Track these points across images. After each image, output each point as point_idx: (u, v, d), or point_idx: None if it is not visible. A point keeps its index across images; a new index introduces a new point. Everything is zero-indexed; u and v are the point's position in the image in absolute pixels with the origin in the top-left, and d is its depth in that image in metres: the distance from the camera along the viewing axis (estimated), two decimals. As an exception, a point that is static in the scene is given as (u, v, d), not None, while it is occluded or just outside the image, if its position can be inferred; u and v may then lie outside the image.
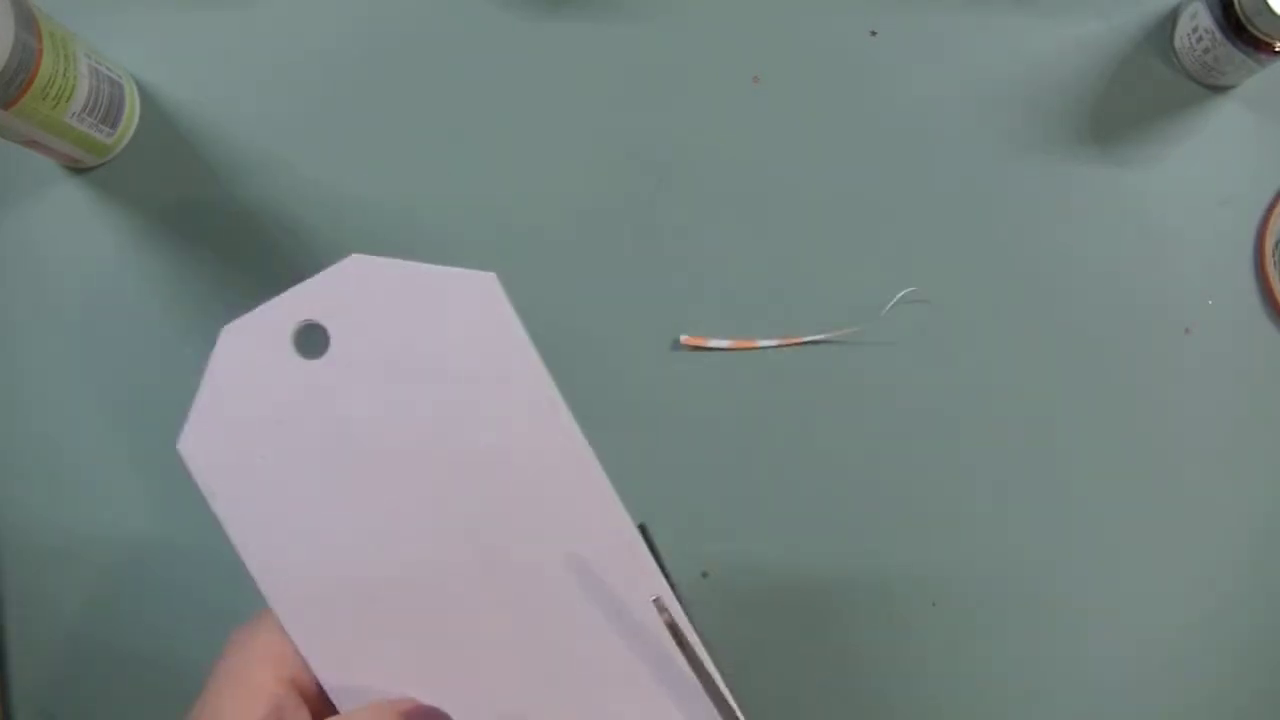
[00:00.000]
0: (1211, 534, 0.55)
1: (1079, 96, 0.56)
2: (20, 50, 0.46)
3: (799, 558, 0.54)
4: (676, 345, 0.55)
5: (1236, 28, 0.51)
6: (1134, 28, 0.57)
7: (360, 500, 0.36)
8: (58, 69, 0.49)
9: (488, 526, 0.36)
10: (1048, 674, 0.54)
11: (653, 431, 0.55)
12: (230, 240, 0.56)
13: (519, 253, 0.55)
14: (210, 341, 0.36)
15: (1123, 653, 0.54)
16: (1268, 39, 0.51)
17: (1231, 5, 0.51)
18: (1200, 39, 0.53)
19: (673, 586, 0.36)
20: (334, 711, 0.36)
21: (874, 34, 0.57)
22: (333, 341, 0.36)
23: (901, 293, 0.55)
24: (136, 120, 0.56)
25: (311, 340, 0.36)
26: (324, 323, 0.36)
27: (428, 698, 0.36)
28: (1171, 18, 0.56)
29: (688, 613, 0.36)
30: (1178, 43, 0.56)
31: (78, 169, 0.56)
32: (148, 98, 0.56)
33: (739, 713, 0.36)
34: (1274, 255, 0.55)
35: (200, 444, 0.36)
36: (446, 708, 0.36)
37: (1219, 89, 0.56)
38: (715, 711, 0.36)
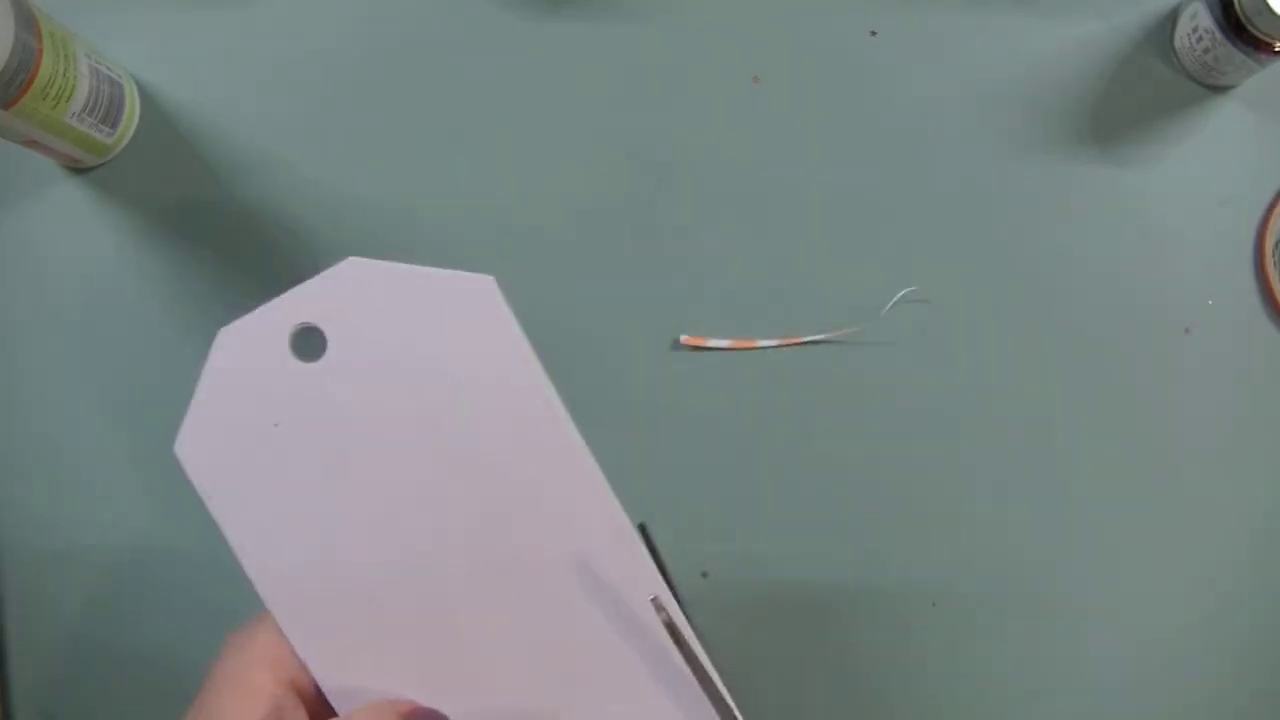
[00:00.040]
0: (1211, 534, 0.55)
1: (1079, 96, 0.56)
2: (20, 50, 0.46)
3: (799, 558, 0.54)
4: (676, 345, 0.55)
5: (1236, 28, 0.51)
6: (1134, 28, 0.57)
7: (358, 502, 0.36)
8: (58, 69, 0.49)
9: (485, 528, 0.36)
10: (1048, 674, 0.54)
11: (653, 431, 0.55)
12: (230, 240, 0.56)
13: (519, 253, 0.55)
14: (210, 342, 0.36)
15: (1123, 653, 0.54)
16: (1268, 39, 0.51)
17: (1231, 5, 0.51)
18: (1200, 39, 0.53)
19: (672, 587, 0.36)
20: (332, 713, 0.36)
21: (874, 34, 0.57)
22: (330, 344, 0.36)
23: (901, 292, 0.55)
24: (136, 120, 0.56)
25: (309, 343, 0.36)
26: (321, 325, 0.36)
27: (426, 698, 0.36)
28: (1171, 18, 0.56)
29: (686, 613, 0.36)
30: (1178, 43, 0.56)
31: (78, 169, 0.56)
32: (148, 98, 0.56)
33: (736, 711, 0.36)
34: (1274, 255, 0.55)
35: (197, 446, 0.36)
36: (445, 708, 0.36)
37: (1219, 89, 0.56)
38: (714, 712, 0.36)
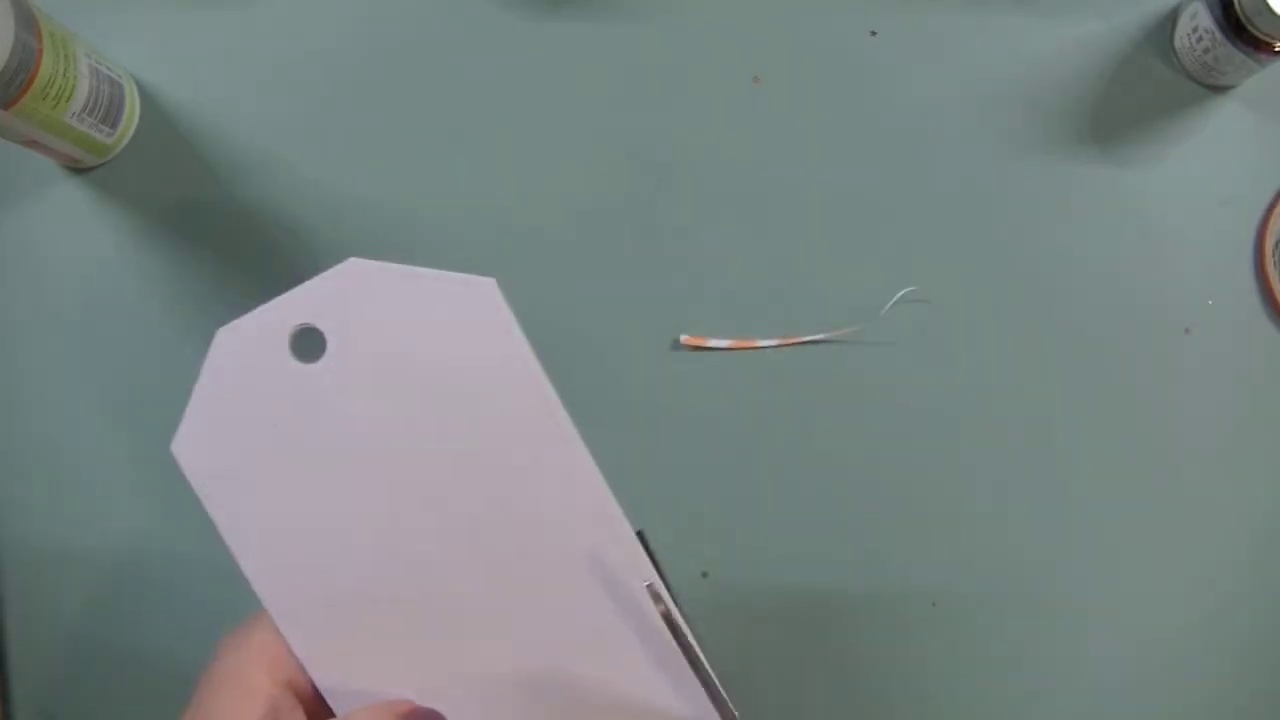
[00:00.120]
0: (1211, 534, 0.55)
1: (1079, 96, 0.56)
2: (20, 50, 0.46)
3: (799, 558, 0.54)
4: (676, 345, 0.55)
5: (1236, 28, 0.51)
6: (1134, 28, 0.57)
7: (356, 503, 0.36)
8: (58, 69, 0.49)
9: (484, 528, 0.36)
10: (1048, 674, 0.54)
11: (653, 431, 0.55)
12: (230, 240, 0.56)
13: (519, 253, 0.55)
14: (209, 342, 0.36)
15: (1123, 653, 0.54)
16: (1268, 39, 0.51)
17: (1231, 5, 0.51)
18: (1200, 39, 0.53)
19: (671, 594, 0.36)
20: (330, 713, 0.36)
21: (874, 34, 0.57)
22: (329, 345, 0.36)
23: (901, 292, 0.55)
24: (136, 120, 0.56)
25: (309, 343, 0.36)
26: (321, 326, 0.36)
27: (424, 699, 0.36)
28: (1171, 18, 0.56)
29: (684, 614, 0.36)
30: (1178, 43, 0.56)
31: (78, 169, 0.56)
32: (148, 98, 0.56)
33: (733, 709, 0.36)
34: (1274, 255, 0.55)
35: (194, 446, 0.36)
36: (443, 709, 0.36)
37: (1219, 89, 0.56)
38: (715, 711, 0.36)
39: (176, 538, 0.54)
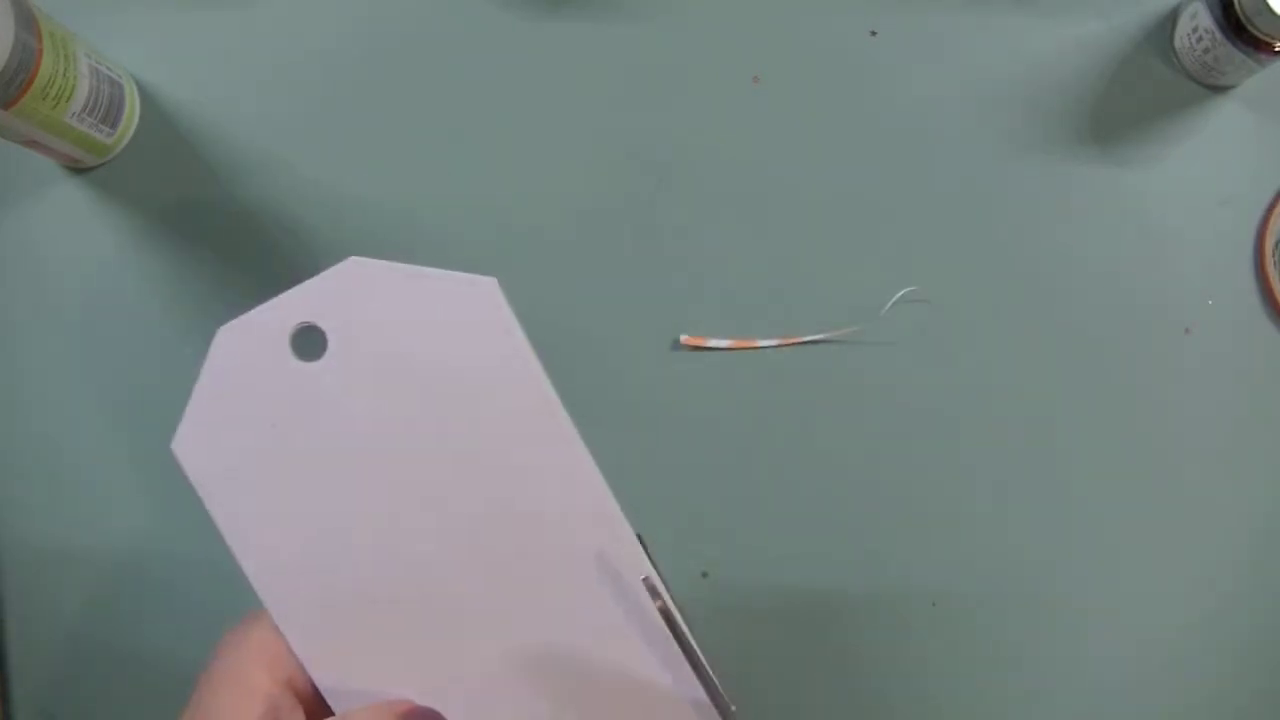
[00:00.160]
0: (1211, 534, 0.55)
1: (1079, 96, 0.56)
2: (20, 50, 0.46)
3: (799, 558, 0.54)
4: (676, 345, 0.55)
5: (1236, 28, 0.51)
6: (1134, 28, 0.57)
7: (356, 502, 0.36)
8: (58, 69, 0.49)
9: (484, 528, 0.36)
10: (1048, 674, 0.54)
11: (653, 431, 0.54)
12: (230, 240, 0.56)
13: (519, 253, 0.55)
14: (210, 341, 0.36)
15: (1123, 653, 0.54)
16: (1268, 39, 0.51)
17: (1231, 5, 0.51)
18: (1200, 39, 0.53)
19: (670, 594, 0.36)
20: (329, 712, 0.36)
21: (874, 34, 0.57)
22: (330, 344, 0.36)
23: (901, 292, 0.55)
24: (136, 120, 0.56)
25: (309, 342, 0.36)
26: (322, 325, 0.36)
27: (424, 699, 0.36)
28: (1171, 18, 0.56)
29: (683, 614, 0.36)
30: (1178, 43, 0.56)
31: (78, 169, 0.56)
32: (148, 98, 0.56)
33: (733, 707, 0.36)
34: (1274, 255, 0.55)
35: (195, 444, 0.36)
36: (443, 709, 0.36)
37: (1219, 89, 0.56)
38: (713, 709, 0.36)
39: (176, 538, 0.54)
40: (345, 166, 0.56)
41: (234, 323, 0.36)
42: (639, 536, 0.36)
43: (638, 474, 0.54)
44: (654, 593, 0.35)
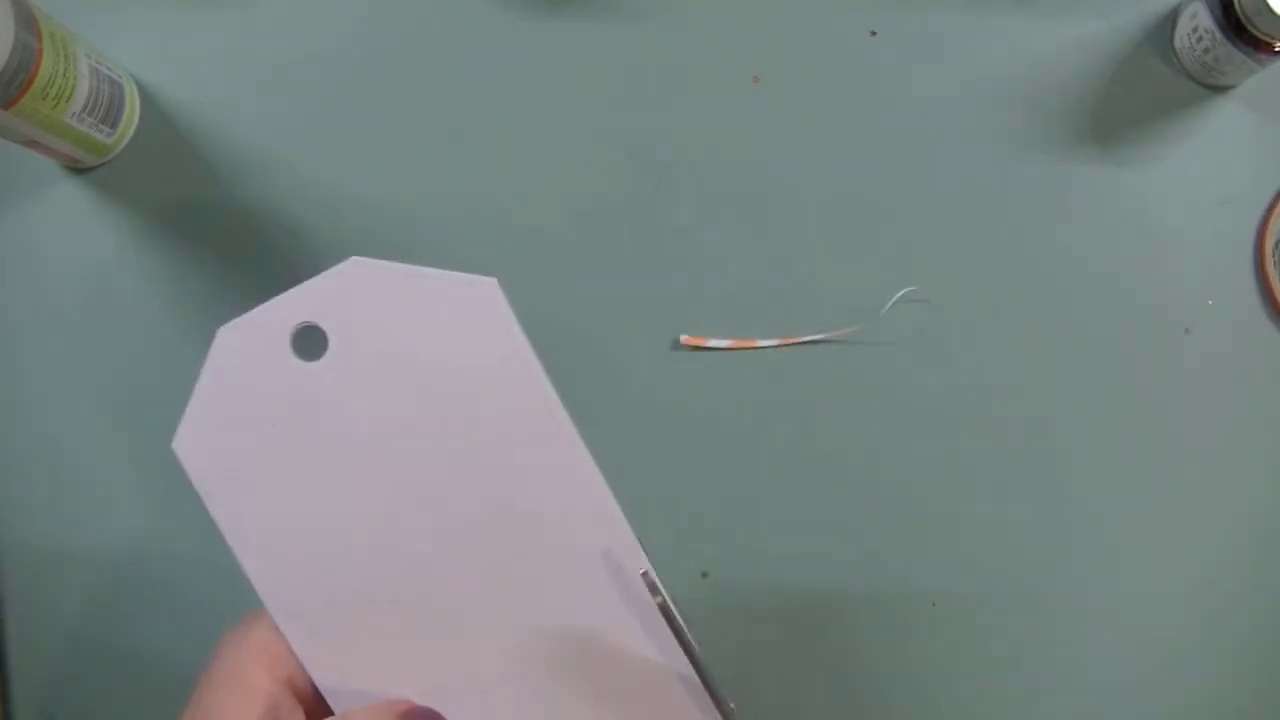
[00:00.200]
0: (1211, 534, 0.55)
1: (1079, 96, 0.56)
2: (20, 50, 0.46)
3: (799, 558, 0.54)
4: (676, 345, 0.55)
5: (1236, 28, 0.51)
6: (1134, 28, 0.57)
7: (357, 502, 0.36)
8: (58, 69, 0.49)
9: (484, 528, 0.36)
10: (1048, 674, 0.54)
11: (653, 431, 0.54)
12: (230, 240, 0.56)
13: (519, 253, 0.55)
14: (209, 341, 0.36)
15: (1123, 653, 0.54)
16: (1268, 39, 0.51)
17: (1231, 5, 0.51)
18: (1200, 39, 0.53)
19: (668, 600, 0.36)
20: (329, 712, 0.36)
21: (874, 34, 0.57)
22: (331, 343, 0.36)
23: (901, 292, 0.55)
24: (136, 120, 0.56)
25: (310, 342, 0.36)
26: (323, 325, 0.36)
27: (424, 699, 0.36)
28: (1171, 18, 0.56)
29: (683, 615, 0.36)
30: (1178, 43, 0.56)
31: (78, 169, 0.56)
32: (148, 98, 0.56)
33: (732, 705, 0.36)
34: (1274, 255, 0.55)
35: (195, 444, 0.36)
36: (443, 709, 0.36)
37: (1219, 89, 0.56)
38: (716, 711, 0.36)
39: (176, 538, 0.54)
40: (345, 166, 0.56)
41: (235, 322, 0.36)
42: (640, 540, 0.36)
43: (638, 474, 0.54)
44: (654, 588, 0.35)
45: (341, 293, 0.36)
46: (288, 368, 0.36)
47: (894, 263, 0.55)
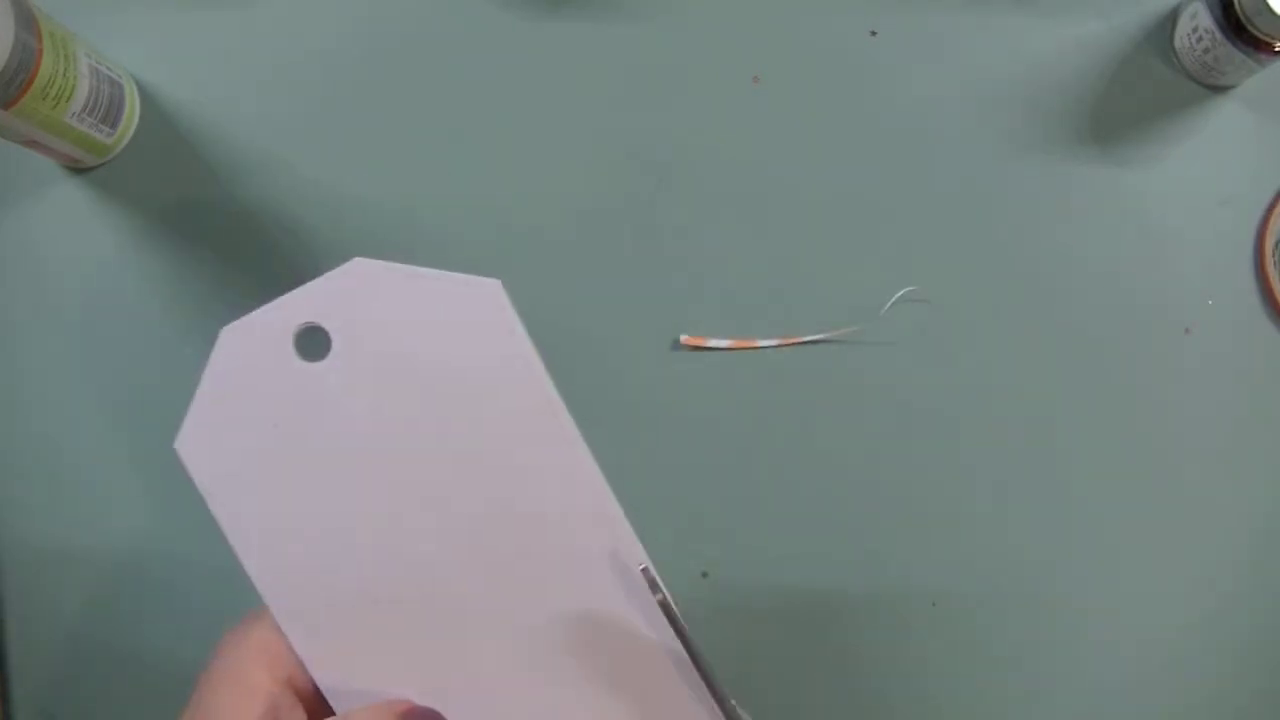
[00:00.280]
0: (1211, 534, 0.55)
1: (1079, 96, 0.56)
2: (20, 50, 0.46)
3: (799, 558, 0.54)
4: (676, 345, 0.55)
5: (1236, 28, 0.51)
6: (1134, 28, 0.57)
7: (359, 502, 0.36)
8: (58, 69, 0.49)
9: (486, 528, 0.36)
10: (1048, 674, 0.54)
11: (653, 431, 0.54)
12: (230, 240, 0.56)
13: (519, 253, 0.55)
14: (210, 341, 0.36)
15: (1123, 653, 0.54)
16: (1268, 39, 0.51)
17: (1231, 5, 0.51)
18: (1200, 39, 0.53)
19: (668, 597, 0.36)
20: (329, 711, 0.36)
21: (874, 34, 0.57)
22: (334, 344, 0.36)
23: (901, 292, 0.55)
24: (136, 120, 0.56)
25: (313, 342, 0.36)
26: (326, 325, 0.36)
27: (425, 699, 0.36)
28: (1171, 18, 0.56)
29: (683, 615, 0.36)
30: (1178, 43, 0.56)
31: (78, 169, 0.56)
32: (148, 98, 0.56)
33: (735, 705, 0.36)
34: (1274, 255, 0.55)
35: (198, 444, 0.36)
36: (443, 709, 0.36)
37: (1219, 89, 0.56)
38: (717, 712, 0.36)
39: (176, 538, 0.54)
40: (345, 166, 0.56)
41: (238, 323, 0.36)
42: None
43: (638, 474, 0.54)
44: (654, 585, 0.35)
45: (345, 293, 0.36)
46: (291, 368, 0.36)
47: (894, 263, 0.55)
